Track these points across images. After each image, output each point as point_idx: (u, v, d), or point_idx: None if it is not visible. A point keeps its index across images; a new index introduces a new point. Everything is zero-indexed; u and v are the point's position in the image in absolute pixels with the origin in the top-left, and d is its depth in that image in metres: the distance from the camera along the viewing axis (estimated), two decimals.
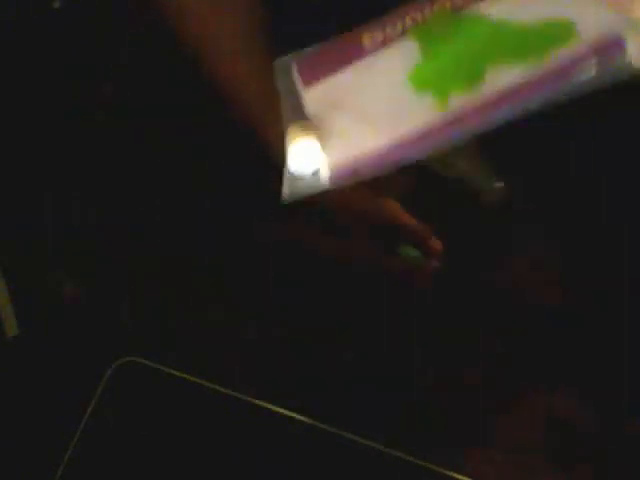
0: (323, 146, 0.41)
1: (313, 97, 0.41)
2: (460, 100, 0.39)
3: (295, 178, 0.41)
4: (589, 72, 0.37)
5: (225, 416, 0.67)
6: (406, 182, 0.70)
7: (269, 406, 0.67)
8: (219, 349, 0.71)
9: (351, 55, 0.40)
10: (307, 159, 0.41)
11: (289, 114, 0.41)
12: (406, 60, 0.39)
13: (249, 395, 0.68)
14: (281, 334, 0.72)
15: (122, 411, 0.68)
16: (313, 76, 0.40)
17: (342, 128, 0.40)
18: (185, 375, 0.68)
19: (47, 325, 0.72)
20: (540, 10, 0.36)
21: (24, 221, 0.76)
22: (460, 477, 0.66)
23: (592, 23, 0.36)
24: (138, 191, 0.77)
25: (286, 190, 0.42)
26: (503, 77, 0.38)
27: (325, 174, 0.41)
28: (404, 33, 0.38)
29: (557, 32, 0.36)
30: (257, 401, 0.67)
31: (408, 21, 0.38)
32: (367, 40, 0.39)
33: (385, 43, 0.39)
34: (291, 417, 0.67)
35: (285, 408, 0.67)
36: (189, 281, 0.74)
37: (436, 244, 0.68)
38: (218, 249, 0.75)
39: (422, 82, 0.39)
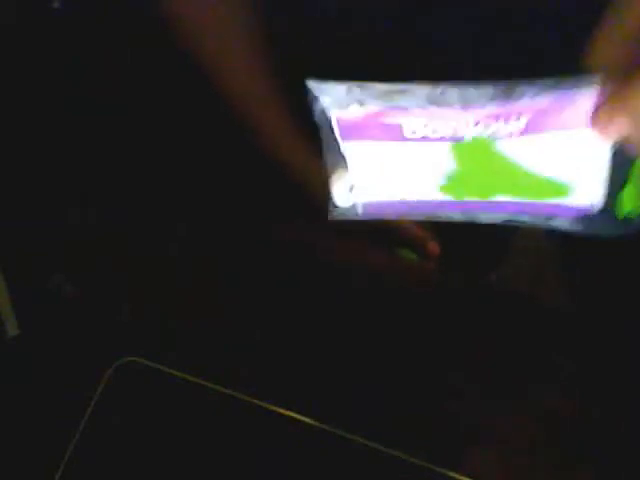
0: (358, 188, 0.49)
1: (352, 149, 0.47)
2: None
3: (337, 207, 0.50)
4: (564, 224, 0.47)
5: (225, 416, 0.67)
6: None
7: (269, 406, 0.67)
8: (219, 349, 0.71)
9: (391, 135, 0.45)
10: (346, 195, 0.50)
11: (329, 151, 0.48)
12: (439, 166, 0.46)
13: (249, 395, 0.68)
14: (282, 334, 0.72)
15: (122, 411, 0.68)
16: (352, 134, 0.46)
17: (375, 183, 0.48)
18: (185, 375, 0.68)
19: (47, 325, 0.72)
20: (547, 166, 0.44)
21: (24, 221, 0.76)
22: (460, 477, 0.66)
23: (585, 191, 0.45)
24: (138, 191, 0.77)
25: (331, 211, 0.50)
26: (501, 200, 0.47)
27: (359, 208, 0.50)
28: (442, 140, 0.45)
29: (554, 189, 0.45)
30: (257, 401, 0.67)
31: (448, 129, 0.44)
32: (407, 131, 0.45)
33: (424, 139, 0.45)
34: (291, 417, 0.67)
35: (285, 408, 0.67)
36: (189, 281, 0.74)
37: (433, 247, 0.69)
38: (218, 249, 0.75)
39: (447, 189, 0.47)
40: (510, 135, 0.43)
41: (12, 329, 0.72)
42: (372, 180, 0.48)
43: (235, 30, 0.68)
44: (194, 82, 0.72)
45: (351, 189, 0.49)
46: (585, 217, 0.46)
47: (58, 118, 0.79)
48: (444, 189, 0.47)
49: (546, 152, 0.44)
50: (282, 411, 0.67)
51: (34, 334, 0.72)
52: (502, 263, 0.79)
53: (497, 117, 0.43)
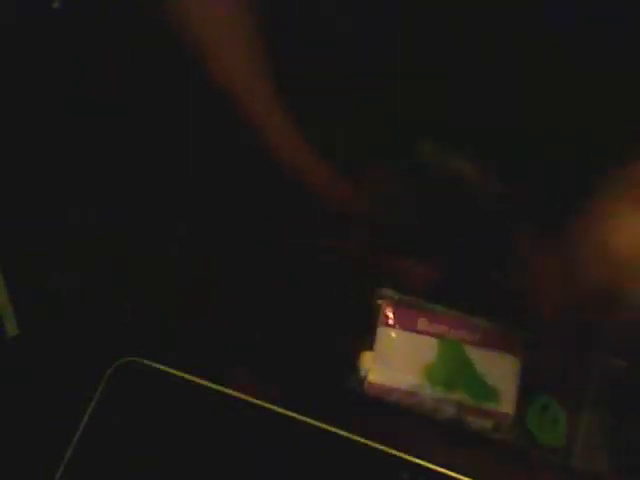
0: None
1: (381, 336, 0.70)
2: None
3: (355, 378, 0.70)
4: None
5: (225, 416, 0.67)
6: (405, 194, 0.71)
7: (269, 406, 0.67)
8: (219, 349, 0.71)
9: (407, 326, 0.70)
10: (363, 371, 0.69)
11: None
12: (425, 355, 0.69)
13: (249, 395, 0.68)
14: (281, 334, 0.72)
15: (122, 411, 0.68)
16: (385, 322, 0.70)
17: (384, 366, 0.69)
18: (185, 375, 0.68)
19: (47, 325, 0.72)
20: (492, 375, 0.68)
21: (24, 221, 0.76)
22: (460, 477, 0.66)
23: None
24: (138, 191, 0.77)
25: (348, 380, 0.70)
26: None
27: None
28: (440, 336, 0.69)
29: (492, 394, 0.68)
30: (257, 401, 0.68)
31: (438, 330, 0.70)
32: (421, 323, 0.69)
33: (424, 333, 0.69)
34: (291, 417, 0.67)
35: (285, 408, 0.67)
36: (189, 281, 0.74)
37: (424, 272, 0.69)
38: (218, 249, 0.75)
39: (429, 375, 0.68)
40: (472, 344, 0.69)
41: (12, 329, 0.72)
42: (386, 361, 0.68)
43: (237, 30, 0.68)
44: (194, 82, 0.72)
45: (369, 368, 0.68)
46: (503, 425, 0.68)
47: (58, 118, 0.79)
48: (427, 374, 0.67)
49: (489, 364, 0.67)
50: (282, 411, 0.67)
51: (34, 334, 0.72)
52: (503, 263, 0.78)
53: (470, 329, 0.70)
